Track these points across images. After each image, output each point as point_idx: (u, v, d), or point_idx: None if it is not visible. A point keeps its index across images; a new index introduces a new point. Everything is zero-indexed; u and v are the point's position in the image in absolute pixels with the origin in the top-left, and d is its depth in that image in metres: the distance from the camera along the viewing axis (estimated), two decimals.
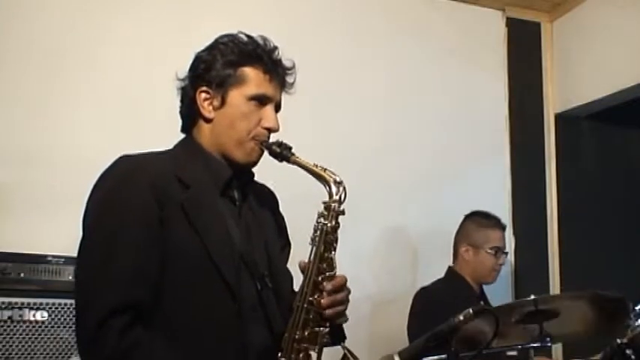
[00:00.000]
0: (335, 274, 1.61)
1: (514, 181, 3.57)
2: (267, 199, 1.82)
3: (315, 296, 1.58)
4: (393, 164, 3.29)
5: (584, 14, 3.53)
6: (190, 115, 1.70)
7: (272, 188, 1.87)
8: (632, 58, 3.21)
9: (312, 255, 1.60)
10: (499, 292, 3.06)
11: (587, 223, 3.57)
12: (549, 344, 1.94)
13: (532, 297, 1.99)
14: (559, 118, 3.66)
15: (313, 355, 1.59)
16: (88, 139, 2.70)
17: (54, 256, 2.30)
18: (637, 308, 1.80)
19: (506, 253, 2.97)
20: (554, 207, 3.60)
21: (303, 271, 1.62)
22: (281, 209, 1.88)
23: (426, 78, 3.44)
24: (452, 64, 3.49)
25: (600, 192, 3.60)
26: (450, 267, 2.95)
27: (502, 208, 3.37)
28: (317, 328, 1.58)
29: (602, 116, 3.56)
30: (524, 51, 3.69)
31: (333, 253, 1.62)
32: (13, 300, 2.21)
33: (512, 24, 3.69)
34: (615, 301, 1.98)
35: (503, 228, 2.95)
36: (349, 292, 1.64)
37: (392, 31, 3.40)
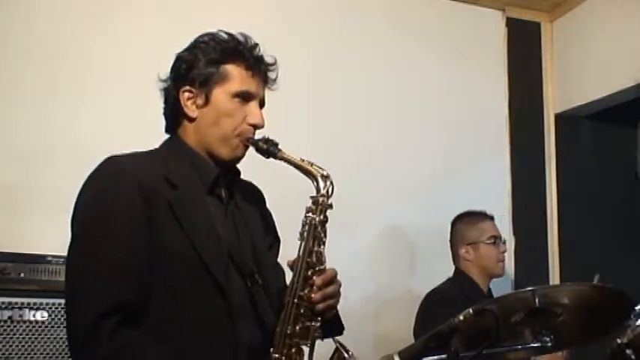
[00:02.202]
0: (325, 268, 1.61)
1: (514, 181, 3.57)
2: (253, 196, 1.82)
3: (306, 291, 1.58)
4: (393, 164, 3.29)
5: (584, 14, 3.53)
6: (174, 115, 1.70)
7: (261, 185, 1.87)
8: (632, 58, 3.21)
9: (301, 250, 1.60)
10: (499, 292, 3.06)
11: (587, 222, 3.57)
12: (549, 344, 1.94)
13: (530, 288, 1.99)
14: (559, 118, 3.66)
15: (305, 349, 1.59)
16: (89, 139, 2.69)
17: (54, 256, 2.30)
18: (637, 308, 1.80)
19: (505, 242, 2.98)
20: (554, 207, 3.60)
21: (292, 268, 1.62)
22: (271, 205, 1.87)
23: (426, 78, 3.44)
24: (452, 64, 3.49)
25: (600, 192, 3.60)
26: (457, 268, 2.95)
27: (502, 208, 3.38)
28: (308, 323, 1.58)
29: (602, 116, 3.56)
30: (524, 51, 3.69)
31: (322, 247, 1.62)
32: (13, 300, 2.21)
33: (512, 24, 3.69)
34: (617, 294, 1.98)
35: (491, 218, 2.97)
36: (340, 285, 1.64)
37: (392, 31, 3.40)
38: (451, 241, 2.99)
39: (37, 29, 2.73)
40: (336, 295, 1.63)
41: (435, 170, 3.39)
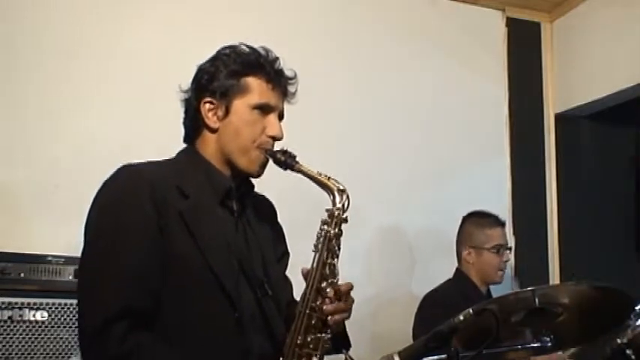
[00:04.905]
0: (337, 280, 1.62)
1: (514, 181, 3.57)
2: (265, 210, 1.84)
3: (318, 302, 1.59)
4: (393, 164, 3.29)
5: (584, 14, 3.53)
6: (194, 125, 1.71)
7: (276, 195, 1.88)
8: (632, 58, 3.21)
9: (315, 261, 1.61)
10: (499, 293, 3.06)
11: (587, 222, 3.57)
12: (549, 344, 1.94)
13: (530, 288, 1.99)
14: (559, 118, 3.66)
15: None
16: (90, 140, 2.70)
17: (54, 256, 2.30)
18: (637, 308, 1.80)
19: (510, 249, 2.97)
20: (554, 207, 3.60)
21: (305, 278, 1.62)
22: (285, 216, 1.89)
23: (426, 78, 3.44)
24: (452, 64, 3.49)
25: (600, 192, 3.60)
26: (457, 268, 2.95)
27: (502, 208, 3.37)
28: (319, 334, 1.58)
29: (602, 116, 3.56)
30: (524, 51, 3.69)
31: (335, 259, 1.62)
32: (13, 300, 2.21)
33: (512, 24, 3.69)
34: (617, 294, 1.98)
35: (502, 224, 2.95)
36: (353, 300, 1.65)
37: (392, 31, 3.40)
38: (457, 238, 2.98)
39: (42, 30, 2.73)
40: (349, 309, 1.64)
41: (434, 170, 3.39)
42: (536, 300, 1.89)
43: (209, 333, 1.54)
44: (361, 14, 3.35)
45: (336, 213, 1.62)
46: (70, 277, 2.27)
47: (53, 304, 2.25)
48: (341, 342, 1.67)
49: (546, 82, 3.70)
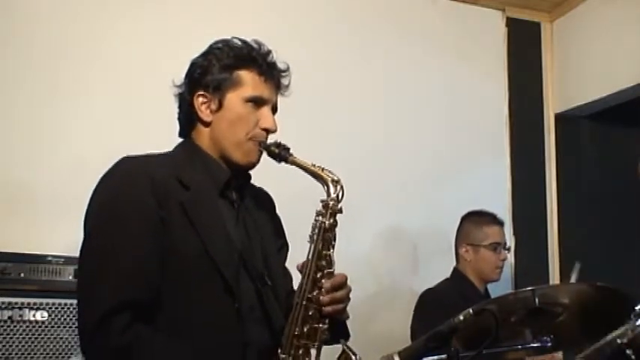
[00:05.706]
0: (333, 271, 1.63)
1: (514, 181, 3.57)
2: (264, 201, 1.84)
3: (314, 293, 1.60)
4: (393, 164, 3.29)
5: (584, 14, 3.54)
6: (188, 120, 1.72)
7: (271, 188, 1.88)
8: (632, 58, 3.21)
9: (311, 252, 1.62)
10: (499, 292, 3.06)
11: (587, 223, 3.57)
12: (549, 344, 1.94)
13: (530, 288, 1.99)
14: (559, 118, 3.66)
15: (312, 351, 1.60)
16: (89, 140, 2.70)
17: (54, 256, 2.30)
18: (637, 308, 1.80)
19: (508, 249, 2.98)
20: (554, 207, 3.60)
21: (301, 270, 1.63)
22: (280, 208, 1.89)
23: (426, 78, 3.44)
24: (452, 64, 3.49)
25: (600, 192, 3.60)
26: (455, 267, 2.96)
27: (502, 208, 3.37)
28: (316, 325, 1.59)
29: (602, 116, 3.56)
30: (524, 51, 3.69)
31: (331, 250, 1.64)
32: (13, 300, 2.21)
33: (512, 24, 3.69)
34: (617, 294, 1.98)
35: (500, 223, 2.95)
36: (350, 289, 1.65)
37: (392, 31, 3.40)
38: (456, 237, 2.98)
39: (40, 29, 2.73)
40: (345, 299, 1.65)
41: (435, 170, 3.39)
42: (536, 300, 1.89)
43: (208, 323, 1.55)
44: (361, 13, 3.35)
45: (331, 204, 1.63)
46: (70, 277, 2.27)
47: (53, 304, 2.25)
48: (340, 332, 1.67)
49: (546, 82, 3.70)
